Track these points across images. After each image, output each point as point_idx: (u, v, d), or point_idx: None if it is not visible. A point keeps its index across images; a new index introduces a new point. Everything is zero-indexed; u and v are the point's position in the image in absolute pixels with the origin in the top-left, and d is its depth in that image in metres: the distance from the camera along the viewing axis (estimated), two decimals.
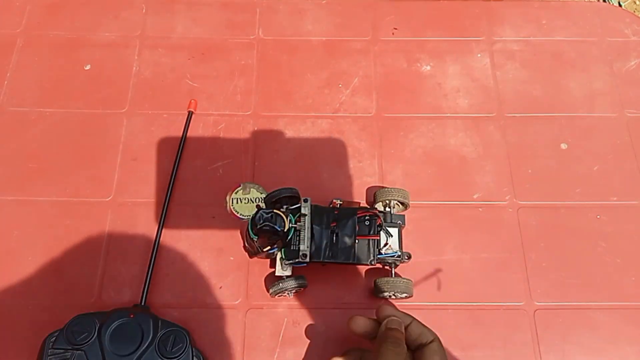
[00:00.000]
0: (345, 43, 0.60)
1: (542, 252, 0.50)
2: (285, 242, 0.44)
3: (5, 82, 0.57)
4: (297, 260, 0.44)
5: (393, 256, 0.46)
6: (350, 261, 0.45)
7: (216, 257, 0.49)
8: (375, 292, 0.46)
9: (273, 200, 0.46)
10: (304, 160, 0.54)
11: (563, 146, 0.55)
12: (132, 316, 0.42)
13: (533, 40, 0.61)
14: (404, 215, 0.48)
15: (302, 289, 0.46)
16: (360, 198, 0.52)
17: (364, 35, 0.61)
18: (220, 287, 0.48)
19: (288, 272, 0.45)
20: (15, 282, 0.48)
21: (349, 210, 0.46)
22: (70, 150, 0.53)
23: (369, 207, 0.48)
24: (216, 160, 0.53)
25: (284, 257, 0.45)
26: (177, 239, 0.50)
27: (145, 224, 0.50)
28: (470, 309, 0.48)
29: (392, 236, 0.46)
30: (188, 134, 0.54)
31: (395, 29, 0.62)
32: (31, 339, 0.45)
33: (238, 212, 0.50)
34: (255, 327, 0.47)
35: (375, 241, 0.46)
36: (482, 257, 0.50)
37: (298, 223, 0.45)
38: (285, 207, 0.46)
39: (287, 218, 0.44)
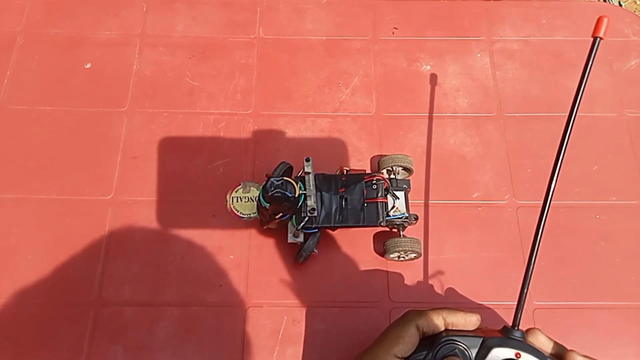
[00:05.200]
0: (345, 42, 0.61)
1: (541, 252, 0.50)
2: (295, 209, 0.45)
3: (5, 80, 0.57)
4: (307, 224, 0.45)
5: (401, 218, 0.48)
6: (360, 224, 0.46)
7: (216, 256, 0.49)
8: (385, 254, 0.48)
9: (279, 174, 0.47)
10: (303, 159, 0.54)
11: None
12: (518, 356, 0.34)
13: (533, 40, 0.61)
14: (409, 180, 0.50)
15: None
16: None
17: (364, 34, 0.61)
18: (220, 286, 0.48)
19: (300, 239, 0.47)
20: (15, 280, 0.48)
21: (356, 176, 0.48)
22: (70, 149, 0.53)
23: (374, 172, 0.50)
24: (216, 158, 0.53)
25: (295, 223, 0.46)
26: (177, 238, 0.50)
27: (145, 222, 0.50)
28: (469, 307, 0.48)
29: (398, 199, 0.48)
30: (187, 134, 0.54)
31: (396, 28, 0.62)
32: (30, 337, 0.45)
33: (238, 211, 0.50)
34: (255, 325, 0.47)
35: (384, 204, 0.47)
36: (482, 256, 0.50)
37: (308, 189, 0.46)
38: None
39: (297, 185, 0.44)
